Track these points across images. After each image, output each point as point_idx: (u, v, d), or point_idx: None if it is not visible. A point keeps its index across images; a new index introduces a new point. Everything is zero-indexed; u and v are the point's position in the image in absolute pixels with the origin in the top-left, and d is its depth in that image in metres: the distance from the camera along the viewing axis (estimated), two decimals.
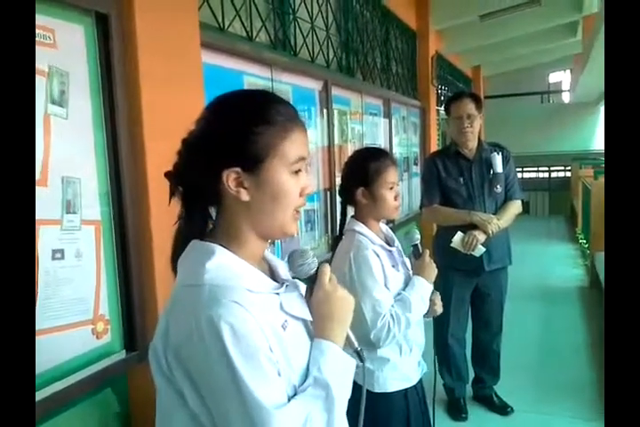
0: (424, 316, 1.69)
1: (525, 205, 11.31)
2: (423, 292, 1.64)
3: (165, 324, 0.79)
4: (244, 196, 0.83)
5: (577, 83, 10.03)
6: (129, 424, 1.67)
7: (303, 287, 0.94)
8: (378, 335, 1.54)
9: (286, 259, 0.95)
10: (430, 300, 1.68)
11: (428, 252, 1.71)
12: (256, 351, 0.75)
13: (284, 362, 0.80)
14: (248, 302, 0.77)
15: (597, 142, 12.02)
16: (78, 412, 1.53)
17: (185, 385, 0.77)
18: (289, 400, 0.78)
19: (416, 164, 5.88)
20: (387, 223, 1.83)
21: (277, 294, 0.86)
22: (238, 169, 0.82)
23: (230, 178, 0.82)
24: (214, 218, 0.88)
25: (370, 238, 1.64)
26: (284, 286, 0.88)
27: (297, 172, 0.86)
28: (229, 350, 0.73)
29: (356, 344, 0.97)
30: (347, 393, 0.89)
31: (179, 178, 0.85)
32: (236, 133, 0.82)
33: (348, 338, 0.95)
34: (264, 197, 0.84)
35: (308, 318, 0.90)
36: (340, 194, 1.78)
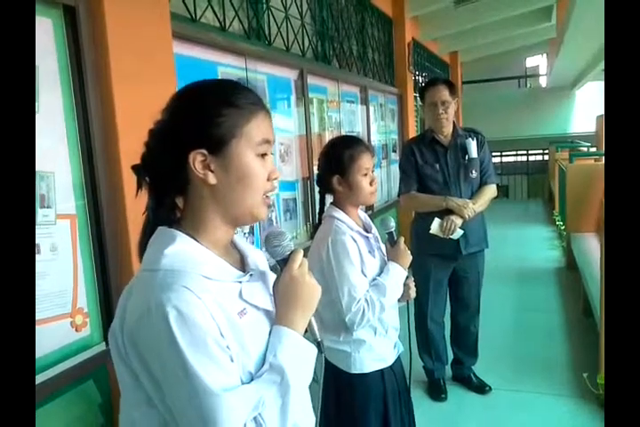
0: (398, 300, 1.74)
1: (504, 189, 11.47)
2: (398, 278, 1.68)
3: (123, 307, 0.81)
4: (211, 179, 0.84)
5: (553, 67, 10.12)
6: (110, 414, 1.70)
7: (272, 278, 0.94)
8: (352, 319, 1.60)
9: (263, 239, 0.95)
10: (405, 284, 1.72)
11: (402, 239, 1.74)
12: (203, 336, 0.75)
13: (238, 348, 0.81)
14: (200, 287, 0.78)
15: (574, 125, 12.18)
16: (61, 403, 1.55)
17: (139, 368, 0.78)
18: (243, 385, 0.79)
19: (395, 151, 5.91)
20: (366, 211, 1.86)
21: (240, 282, 0.87)
22: (204, 151, 0.83)
23: (197, 160, 0.82)
24: (182, 208, 0.89)
25: (348, 224, 1.66)
26: (249, 275, 0.89)
27: (263, 155, 0.87)
28: (175, 334, 0.73)
29: (317, 335, 0.95)
30: (305, 379, 0.89)
31: (146, 168, 0.86)
32: (202, 116, 0.83)
33: (310, 327, 0.93)
34: (231, 180, 0.85)
35: (270, 308, 0.90)
36: (317, 183, 1.80)
